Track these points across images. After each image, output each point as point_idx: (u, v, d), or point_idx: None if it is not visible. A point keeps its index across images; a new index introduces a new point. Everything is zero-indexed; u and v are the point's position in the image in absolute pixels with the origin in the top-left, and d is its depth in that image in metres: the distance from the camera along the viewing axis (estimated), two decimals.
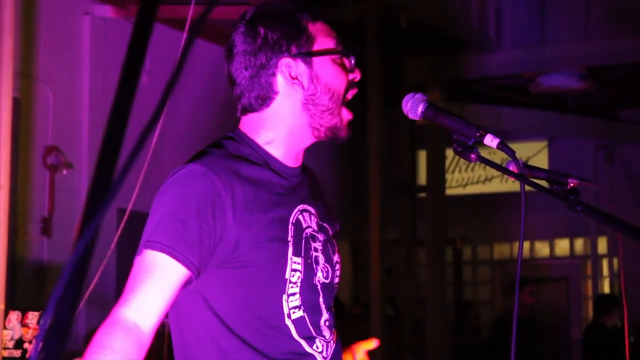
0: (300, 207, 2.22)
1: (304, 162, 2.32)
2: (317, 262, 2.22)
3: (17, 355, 4.96)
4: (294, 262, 2.16)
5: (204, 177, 2.09)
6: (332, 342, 2.24)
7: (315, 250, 2.22)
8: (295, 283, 2.16)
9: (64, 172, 7.03)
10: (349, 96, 2.26)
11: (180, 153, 7.04)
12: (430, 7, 8.97)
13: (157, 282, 2.04)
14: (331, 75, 2.21)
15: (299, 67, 2.19)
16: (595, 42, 9.11)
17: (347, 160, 11.12)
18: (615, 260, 11.98)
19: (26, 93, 6.80)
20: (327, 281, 2.24)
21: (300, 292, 2.17)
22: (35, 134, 6.93)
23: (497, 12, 9.45)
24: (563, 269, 12.56)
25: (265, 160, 2.20)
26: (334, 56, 2.22)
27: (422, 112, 2.13)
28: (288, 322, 2.15)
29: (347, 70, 2.25)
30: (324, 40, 2.22)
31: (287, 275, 2.14)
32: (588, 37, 9.16)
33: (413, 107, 2.14)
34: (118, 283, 7.38)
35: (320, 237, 2.25)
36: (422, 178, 10.31)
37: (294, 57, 2.19)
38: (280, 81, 2.20)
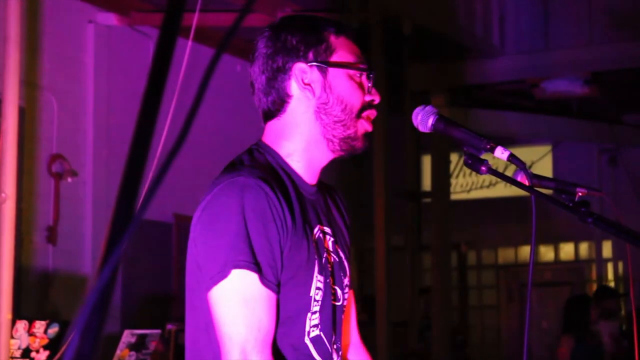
0: (319, 227, 2.20)
1: (321, 180, 2.30)
2: (333, 283, 2.21)
3: None
4: (318, 280, 2.14)
5: (259, 190, 2.05)
6: None
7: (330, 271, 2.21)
8: (318, 302, 2.15)
9: (69, 180, 7.02)
10: (368, 115, 2.23)
11: (188, 159, 7.06)
12: (434, 14, 8.96)
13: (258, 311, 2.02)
14: (345, 88, 2.19)
15: (313, 74, 2.19)
16: (598, 47, 9.10)
17: (352, 167, 11.12)
18: (620, 264, 11.97)
19: (31, 101, 6.80)
20: (338, 303, 2.23)
21: (320, 311, 2.16)
22: (40, 142, 6.92)
23: (500, 18, 9.44)
24: (568, 274, 12.54)
25: (288, 174, 2.18)
26: (351, 72, 2.21)
27: (432, 125, 2.13)
28: (307, 340, 2.14)
29: (364, 90, 2.22)
30: (344, 54, 2.21)
31: (311, 293, 2.13)
32: (591, 43, 9.16)
33: (423, 119, 2.14)
34: (123, 289, 7.38)
35: (332, 259, 2.22)
36: (426, 183, 10.30)
37: (309, 63, 2.18)
38: (294, 85, 2.19)
